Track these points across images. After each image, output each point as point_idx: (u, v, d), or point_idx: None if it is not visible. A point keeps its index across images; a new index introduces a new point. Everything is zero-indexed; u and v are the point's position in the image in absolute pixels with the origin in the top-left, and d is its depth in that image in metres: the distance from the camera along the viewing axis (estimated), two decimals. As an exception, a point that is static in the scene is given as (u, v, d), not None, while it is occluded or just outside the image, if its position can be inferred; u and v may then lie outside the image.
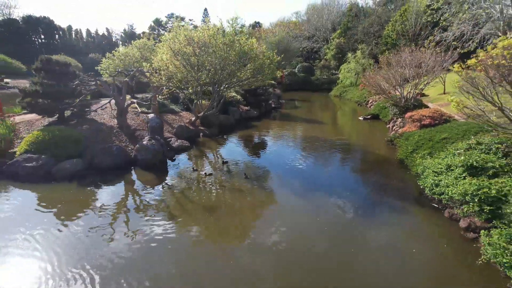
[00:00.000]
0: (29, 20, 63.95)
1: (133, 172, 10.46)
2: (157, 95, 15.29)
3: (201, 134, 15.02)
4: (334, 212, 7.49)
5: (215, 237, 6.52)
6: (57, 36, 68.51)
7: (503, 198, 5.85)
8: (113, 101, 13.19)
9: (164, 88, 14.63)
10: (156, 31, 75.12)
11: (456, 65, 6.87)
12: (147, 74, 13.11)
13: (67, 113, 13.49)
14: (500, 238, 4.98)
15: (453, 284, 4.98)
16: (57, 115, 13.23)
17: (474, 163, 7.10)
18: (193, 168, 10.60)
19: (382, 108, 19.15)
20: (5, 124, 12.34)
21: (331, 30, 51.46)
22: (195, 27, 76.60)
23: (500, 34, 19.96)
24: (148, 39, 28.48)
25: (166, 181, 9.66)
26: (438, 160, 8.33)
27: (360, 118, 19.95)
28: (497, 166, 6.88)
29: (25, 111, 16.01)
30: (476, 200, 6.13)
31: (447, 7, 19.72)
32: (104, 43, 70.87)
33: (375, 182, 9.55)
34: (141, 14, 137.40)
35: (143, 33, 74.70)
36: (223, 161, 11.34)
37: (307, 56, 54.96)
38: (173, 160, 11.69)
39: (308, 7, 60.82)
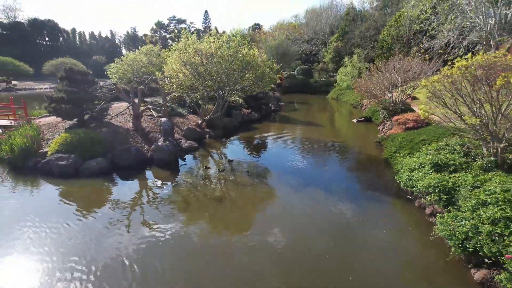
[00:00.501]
0: (35, 23, 65.42)
1: (149, 170, 11.91)
2: (169, 99, 16.73)
3: (207, 135, 16.47)
4: (325, 203, 8.93)
5: (221, 228, 7.97)
6: (61, 38, 69.97)
7: (457, 189, 7.30)
8: (122, 104, 14.64)
9: (170, 91, 16.08)
10: (158, 33, 76.60)
11: (423, 81, 8.32)
12: (160, 82, 14.56)
13: (86, 116, 14.92)
14: (448, 218, 6.42)
15: (411, 252, 6.43)
16: (77, 118, 14.66)
17: (439, 162, 8.55)
18: (206, 166, 12.04)
19: (374, 111, 20.61)
20: (33, 127, 13.81)
21: (329, 33, 52.92)
22: (197, 30, 77.97)
23: (484, 43, 21.46)
24: (154, 45, 29.82)
25: (178, 178, 11.10)
26: (413, 159, 9.78)
27: (354, 120, 21.41)
28: (457, 163, 8.33)
29: (45, 114, 17.55)
30: (436, 191, 7.57)
31: (435, 17, 21.17)
32: (107, 46, 72.41)
33: (362, 178, 11.01)
34: (142, 15, 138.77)
35: (145, 35, 76.18)
36: (228, 160, 12.79)
37: (306, 59, 56.42)
38: (183, 160, 13.14)
39: (307, 10, 62.33)
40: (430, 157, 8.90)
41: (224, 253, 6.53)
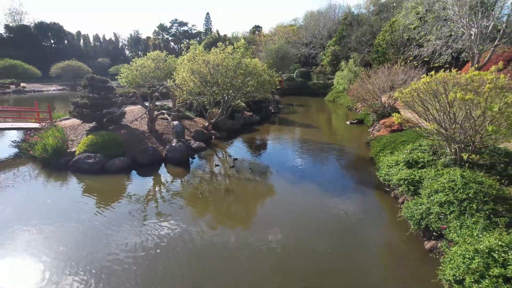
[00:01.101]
0: (41, 26, 67.05)
1: (164, 167, 13.62)
2: (176, 104, 18.45)
3: (213, 137, 18.19)
4: (316, 194, 10.66)
5: (226, 216, 9.70)
6: (66, 41, 71.56)
7: (421, 181, 9.01)
8: (133, 107, 16.36)
9: (181, 97, 17.82)
10: (161, 36, 78.27)
11: (396, 91, 10.06)
12: (172, 89, 16.29)
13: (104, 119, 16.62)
14: (410, 204, 8.14)
15: (382, 229, 8.16)
16: (97, 121, 16.36)
17: (411, 160, 10.27)
18: (215, 164, 13.77)
19: (366, 114, 22.34)
20: (59, 129, 15.53)
21: (327, 37, 54.60)
22: (198, 32, 79.44)
23: (467, 51, 23.15)
24: (162, 51, 31.47)
25: (189, 175, 12.82)
26: (391, 157, 11.50)
27: (348, 122, 23.14)
28: (425, 161, 10.06)
29: (65, 117, 19.28)
30: (406, 183, 9.29)
31: (421, 27, 22.90)
32: (110, 48, 74.13)
33: (350, 173, 12.76)
34: (145, 18, 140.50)
35: (148, 38, 77.91)
36: (233, 159, 14.51)
37: (305, 61, 58.11)
38: (193, 158, 14.86)
39: (306, 14, 63.99)
40: (404, 156, 10.63)
41: (229, 234, 8.26)
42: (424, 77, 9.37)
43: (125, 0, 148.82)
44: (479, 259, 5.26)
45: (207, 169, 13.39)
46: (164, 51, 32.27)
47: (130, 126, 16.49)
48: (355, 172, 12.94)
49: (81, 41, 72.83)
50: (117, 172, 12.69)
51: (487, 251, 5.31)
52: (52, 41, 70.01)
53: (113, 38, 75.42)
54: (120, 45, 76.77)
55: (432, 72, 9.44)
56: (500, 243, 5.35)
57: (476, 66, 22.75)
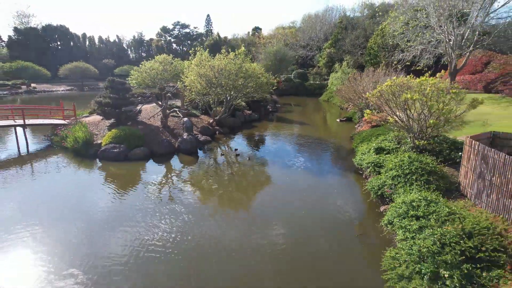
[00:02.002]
0: (48, 29, 69.46)
1: (177, 157, 16.09)
2: (184, 103, 20.95)
3: (217, 132, 20.67)
4: (304, 176, 13.13)
5: (228, 197, 12.19)
6: (71, 43, 73.93)
7: (384, 164, 11.49)
8: (146, 106, 18.81)
9: (189, 97, 20.31)
10: (163, 37, 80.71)
11: (367, 93, 12.52)
12: (181, 90, 18.78)
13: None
14: (373, 179, 10.61)
15: (351, 198, 10.64)
16: (116, 118, 18.80)
17: (379, 147, 12.75)
18: (221, 154, 16.26)
19: (354, 112, 24.82)
20: (84, 125, 17.99)
21: (324, 40, 57.05)
22: (200, 34, 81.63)
23: (446, 55, 25.61)
24: (168, 54, 33.89)
25: (198, 163, 15.30)
26: (365, 146, 13.99)
27: (338, 120, 25.63)
28: (390, 148, 12.54)
29: (86, 115, 21.73)
30: (372, 165, 11.77)
31: (404, 34, 25.38)
32: (115, 50, 76.56)
33: (333, 160, 15.27)
34: (148, 20, 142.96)
35: (151, 39, 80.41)
36: (235, 149, 16.98)
37: (302, 63, 60.55)
38: (201, 150, 17.33)
39: (304, 17, 66.47)
40: (374, 144, 13.12)
41: (232, 202, 10.76)
42: (388, 81, 11.86)
43: (127, 2, 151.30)
44: (404, 207, 7.76)
45: (213, 158, 15.89)
46: (171, 54, 34.75)
47: (145, 122, 18.96)
48: (338, 160, 15.44)
49: (87, 42, 75.30)
50: (138, 160, 15.18)
51: (409, 202, 7.81)
52: (58, 43, 72.45)
53: (117, 40, 77.90)
54: (124, 46, 79.22)
55: (410, 75, 11.95)
56: (418, 197, 7.85)
57: (452, 70, 25.26)
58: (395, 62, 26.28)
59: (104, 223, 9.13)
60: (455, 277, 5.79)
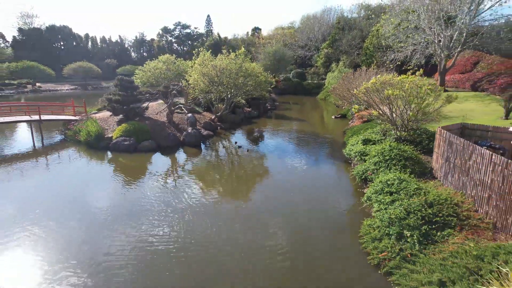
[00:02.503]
0: (52, 29, 70.69)
1: (182, 149, 17.45)
2: (187, 100, 22.31)
3: (218, 127, 22.02)
4: (299, 165, 14.50)
5: (229, 185, 13.56)
6: (74, 43, 75.13)
7: (369, 153, 12.85)
8: (152, 103, 20.16)
9: (193, 95, 21.67)
10: (164, 38, 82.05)
11: (355, 90, 13.88)
12: (185, 88, 20.15)
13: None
14: (359, 166, 11.98)
15: (339, 181, 12.01)
16: (124, 114, 20.14)
17: (366, 139, 14.12)
18: (223, 146, 17.62)
19: (348, 110, 26.18)
20: (94, 120, 19.33)
21: (322, 40, 58.41)
22: (200, 35, 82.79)
23: (435, 56, 27.01)
24: (167, 53, 35.18)
25: (202, 155, 16.65)
26: (354, 139, 15.36)
27: (333, 117, 27.01)
28: (376, 140, 13.91)
29: (94, 112, 23.07)
30: (359, 154, 13.14)
31: (395, 36, 26.77)
32: (116, 50, 77.83)
33: (326, 152, 16.63)
34: (149, 20, 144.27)
35: (153, 40, 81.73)
36: (235, 142, 18.33)
37: (301, 63, 61.88)
38: (204, 143, 18.69)
39: (302, 17, 67.84)
40: (362, 136, 14.49)
41: (233, 187, 12.12)
42: (373, 79, 13.23)
43: (127, 3, 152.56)
44: (380, 185, 9.14)
45: (214, 150, 17.26)
46: (174, 55, 36.05)
47: (152, 118, 20.31)
48: (331, 151, 16.81)
49: (89, 43, 76.55)
50: (146, 152, 16.54)
51: (385, 181, 9.19)
52: (61, 43, 73.71)
53: (119, 40, 79.21)
54: (125, 46, 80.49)
55: (394, 74, 13.29)
56: (393, 177, 9.22)
57: (441, 69, 26.67)
58: (387, 62, 27.65)
59: (124, 202, 10.50)
60: (415, 236, 7.17)
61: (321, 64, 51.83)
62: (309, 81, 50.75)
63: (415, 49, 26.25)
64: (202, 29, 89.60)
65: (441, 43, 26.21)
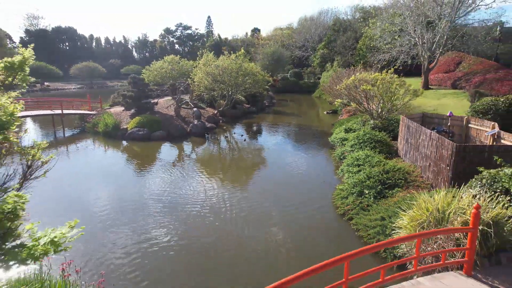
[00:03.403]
0: (58, 30, 73.00)
1: (189, 139, 19.82)
2: (193, 97, 24.71)
3: (220, 121, 24.41)
4: (292, 151, 16.88)
5: (229, 171, 15.95)
6: (79, 43, 77.36)
7: (348, 138, 15.23)
8: (160, 99, 22.53)
9: (198, 92, 24.06)
10: (166, 38, 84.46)
11: (338, 86, 16.26)
12: (191, 86, 22.54)
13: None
14: (338, 149, 14.35)
15: (323, 162, 14.40)
16: (136, 108, 22.48)
17: (348, 128, 16.51)
18: (225, 137, 20.00)
19: (338, 106, 28.58)
20: (109, 114, 21.68)
21: (318, 41, 60.82)
22: (201, 35, 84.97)
23: (419, 57, 29.35)
24: (175, 55, 37.47)
25: (206, 144, 19.03)
26: (338, 128, 17.76)
27: (325, 112, 29.40)
28: (356, 128, 16.30)
29: (107, 107, 25.42)
30: (340, 140, 15.52)
31: (381, 38, 29.18)
32: (120, 50, 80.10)
33: (316, 141, 19.05)
34: (152, 21, 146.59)
35: (155, 40, 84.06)
36: (234, 133, 20.70)
37: (298, 63, 64.27)
38: (208, 134, 21.07)
39: (300, 19, 70.28)
40: (344, 126, 16.89)
41: (233, 170, 14.51)
42: (352, 76, 15.63)
43: (128, 3, 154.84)
44: (351, 160, 11.53)
45: (217, 140, 19.66)
46: (178, 55, 38.32)
47: (161, 112, 22.69)
48: (319, 140, 19.21)
49: (93, 43, 78.82)
50: (158, 140, 18.93)
51: (355, 157, 11.58)
52: (67, 44, 76.00)
53: (122, 41, 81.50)
54: (129, 47, 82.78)
55: (369, 72, 15.67)
56: (362, 154, 11.61)
57: (425, 69, 29.04)
58: (375, 62, 30.04)
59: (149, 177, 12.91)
60: (372, 193, 9.55)
61: (317, 64, 54.21)
62: (306, 80, 53.13)
63: (401, 50, 28.64)
64: (202, 30, 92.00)
65: (424, 45, 28.58)
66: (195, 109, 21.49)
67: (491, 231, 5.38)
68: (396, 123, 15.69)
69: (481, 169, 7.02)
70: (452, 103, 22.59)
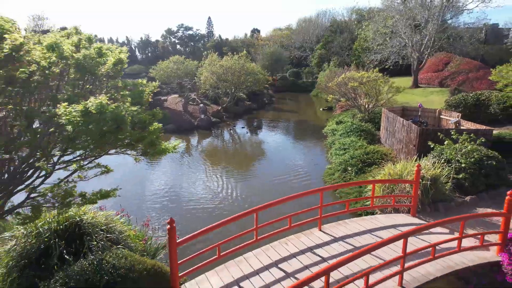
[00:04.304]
0: (63, 31, 74.85)
1: (196, 132, 21.88)
2: (198, 94, 26.82)
3: (224, 116, 26.49)
4: (290, 141, 18.95)
5: (232, 161, 18.05)
6: (83, 43, 79.13)
7: (338, 129, 17.30)
8: (167, 97, 24.60)
9: (203, 89, 26.17)
10: (168, 39, 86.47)
11: (330, 83, 18.33)
12: (197, 84, 24.62)
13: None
14: (329, 138, 16.43)
15: (316, 149, 16.50)
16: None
17: (339, 121, 18.60)
18: (229, 129, 22.10)
19: (331, 101, 30.67)
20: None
21: (316, 42, 62.92)
22: (202, 36, 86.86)
23: (409, 57, 31.45)
24: (177, 55, 39.49)
25: (212, 137, 21.10)
26: (331, 122, 19.85)
27: (321, 109, 31.50)
28: (346, 121, 18.38)
29: (120, 104, 27.54)
30: (331, 131, 17.60)
31: (374, 40, 31.28)
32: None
33: (311, 133, 21.15)
34: (147, 17, 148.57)
35: (157, 41, 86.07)
36: (234, 125, 22.77)
37: (297, 63, 66.34)
38: (213, 128, 23.14)
39: (299, 20, 72.42)
40: (335, 119, 18.99)
41: (236, 156, 16.61)
42: (342, 74, 17.72)
43: (128, 4, 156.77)
44: (339, 145, 13.61)
45: (222, 133, 21.75)
46: (183, 56, 40.38)
47: (170, 107, 24.76)
48: (314, 132, 21.31)
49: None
50: (168, 133, 20.97)
51: (342, 143, 13.66)
52: (71, 44, 77.84)
53: (126, 42, 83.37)
54: (132, 47, 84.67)
55: (358, 71, 17.76)
56: (348, 140, 13.70)
57: (414, 69, 31.16)
58: (368, 62, 32.14)
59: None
60: (353, 170, 11.63)
61: (315, 64, 56.30)
62: (304, 80, 55.23)
63: (392, 51, 30.74)
64: (203, 30, 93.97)
65: (413, 47, 30.69)
66: (201, 104, 23.56)
67: (430, 184, 7.47)
68: (381, 116, 17.80)
69: (432, 145, 9.10)
70: (437, 99, 24.67)
